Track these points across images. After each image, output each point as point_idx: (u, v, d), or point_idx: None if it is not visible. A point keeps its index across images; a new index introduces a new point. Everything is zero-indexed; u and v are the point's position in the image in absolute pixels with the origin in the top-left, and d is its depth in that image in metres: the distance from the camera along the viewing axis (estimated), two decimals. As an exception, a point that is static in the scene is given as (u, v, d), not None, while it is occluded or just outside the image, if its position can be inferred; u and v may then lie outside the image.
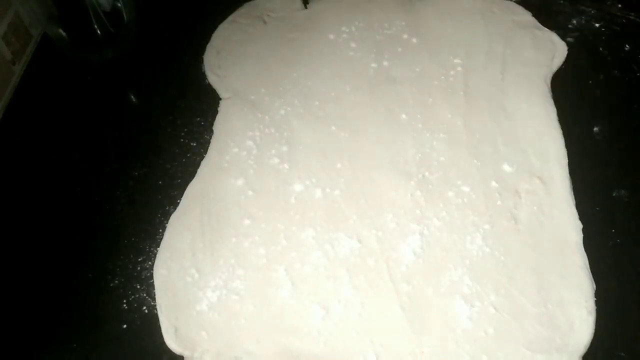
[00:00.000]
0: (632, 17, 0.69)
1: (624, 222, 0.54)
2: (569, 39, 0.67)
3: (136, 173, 0.60)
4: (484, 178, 0.56)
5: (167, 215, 0.56)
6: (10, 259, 0.55)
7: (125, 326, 0.50)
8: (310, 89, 0.64)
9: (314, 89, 0.64)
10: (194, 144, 0.62)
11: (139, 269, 0.53)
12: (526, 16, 0.70)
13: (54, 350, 0.50)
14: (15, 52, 0.67)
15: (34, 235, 0.56)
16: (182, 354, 0.48)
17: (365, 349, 0.47)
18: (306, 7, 0.73)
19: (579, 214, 0.53)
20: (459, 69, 0.65)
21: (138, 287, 0.52)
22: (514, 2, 0.72)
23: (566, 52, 0.66)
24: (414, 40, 0.68)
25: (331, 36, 0.69)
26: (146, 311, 0.51)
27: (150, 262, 0.53)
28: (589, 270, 0.50)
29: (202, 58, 0.68)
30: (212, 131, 0.61)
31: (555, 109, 0.60)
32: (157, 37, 0.71)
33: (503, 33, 0.68)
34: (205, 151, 0.60)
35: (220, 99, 0.64)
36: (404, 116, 0.61)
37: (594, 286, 0.49)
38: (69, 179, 0.60)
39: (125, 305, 0.51)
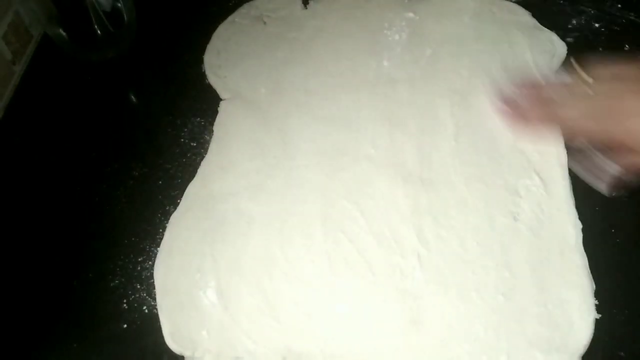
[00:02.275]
0: (632, 17, 0.69)
1: (624, 222, 0.54)
2: (568, 39, 0.67)
3: (136, 173, 0.60)
4: (484, 178, 0.56)
5: (167, 215, 0.56)
6: (10, 259, 0.55)
7: (125, 326, 0.50)
8: (310, 89, 0.64)
9: (314, 89, 0.64)
10: (194, 144, 0.62)
11: (139, 269, 0.53)
12: (526, 16, 0.70)
13: (54, 350, 0.50)
14: (15, 52, 0.67)
15: (34, 236, 0.56)
16: (182, 354, 0.48)
17: (365, 349, 0.47)
18: (306, 7, 0.73)
19: (579, 214, 0.53)
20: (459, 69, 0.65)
21: (138, 287, 0.52)
22: (514, 2, 0.72)
23: (566, 52, 0.65)
24: (414, 40, 0.68)
25: (331, 36, 0.69)
26: (146, 311, 0.51)
27: (150, 262, 0.53)
28: (589, 270, 0.50)
29: (202, 58, 0.68)
30: (212, 131, 0.61)
31: (555, 109, 0.60)
32: (157, 37, 0.71)
33: (503, 33, 0.68)
34: (205, 151, 0.60)
35: (221, 99, 0.64)
36: (403, 116, 0.61)
37: (594, 286, 0.49)
38: (69, 179, 0.60)
39: (125, 305, 0.51)
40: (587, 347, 0.46)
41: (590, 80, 0.50)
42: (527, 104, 0.54)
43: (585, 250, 0.51)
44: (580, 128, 0.51)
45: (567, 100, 0.51)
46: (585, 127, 0.50)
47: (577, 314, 0.47)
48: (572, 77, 0.51)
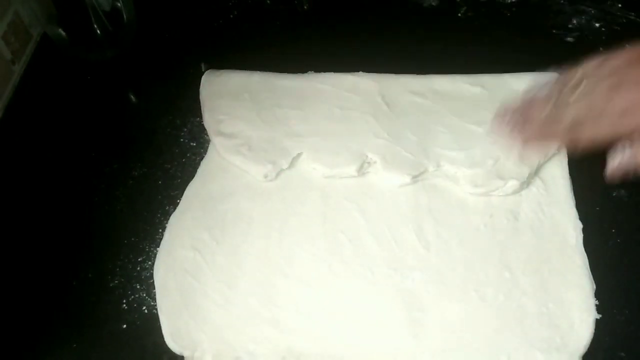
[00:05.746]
0: (632, 17, 0.69)
1: (624, 222, 0.54)
2: (569, 39, 0.67)
3: (136, 173, 0.60)
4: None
5: (167, 215, 0.56)
6: (10, 259, 0.55)
7: (125, 326, 0.50)
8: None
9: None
10: (194, 144, 0.62)
11: (139, 269, 0.53)
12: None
13: (54, 350, 0.50)
14: (15, 52, 0.67)
15: (34, 235, 0.56)
16: (182, 354, 0.48)
17: (365, 349, 0.47)
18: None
19: (579, 214, 0.53)
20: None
21: (138, 287, 0.52)
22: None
23: None
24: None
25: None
26: (146, 311, 0.51)
27: (150, 262, 0.53)
28: (589, 270, 0.49)
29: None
30: (212, 131, 0.61)
31: (555, 109, 0.60)
32: (157, 37, 0.71)
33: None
34: (205, 151, 0.60)
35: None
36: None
37: (594, 286, 0.49)
38: (69, 179, 0.60)
39: (125, 305, 0.51)
40: (587, 347, 0.46)
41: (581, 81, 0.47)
42: (518, 131, 0.47)
43: (585, 250, 0.51)
44: (579, 135, 0.48)
45: (555, 115, 0.45)
46: (585, 134, 0.48)
47: (578, 314, 0.47)
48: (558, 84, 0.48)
